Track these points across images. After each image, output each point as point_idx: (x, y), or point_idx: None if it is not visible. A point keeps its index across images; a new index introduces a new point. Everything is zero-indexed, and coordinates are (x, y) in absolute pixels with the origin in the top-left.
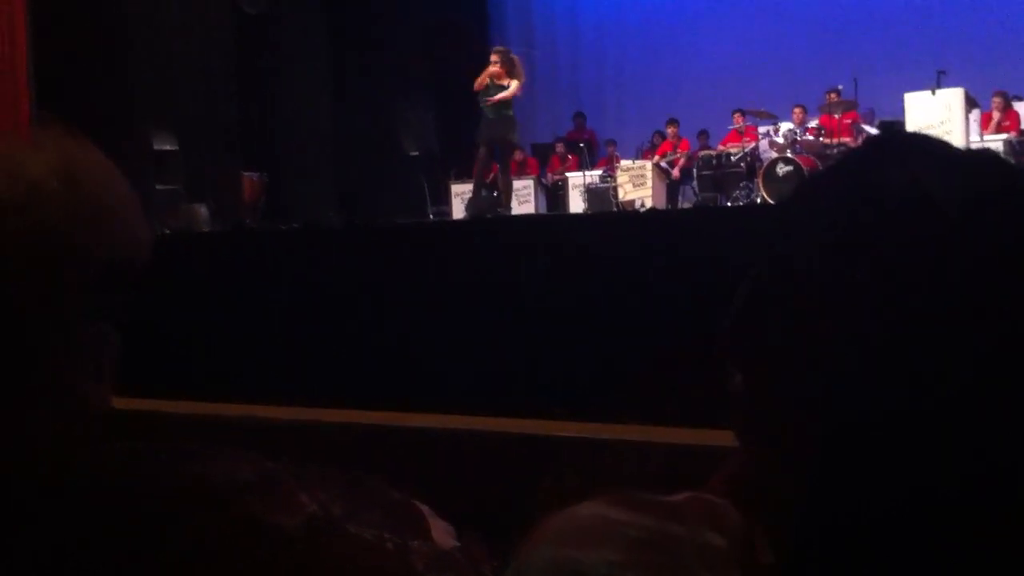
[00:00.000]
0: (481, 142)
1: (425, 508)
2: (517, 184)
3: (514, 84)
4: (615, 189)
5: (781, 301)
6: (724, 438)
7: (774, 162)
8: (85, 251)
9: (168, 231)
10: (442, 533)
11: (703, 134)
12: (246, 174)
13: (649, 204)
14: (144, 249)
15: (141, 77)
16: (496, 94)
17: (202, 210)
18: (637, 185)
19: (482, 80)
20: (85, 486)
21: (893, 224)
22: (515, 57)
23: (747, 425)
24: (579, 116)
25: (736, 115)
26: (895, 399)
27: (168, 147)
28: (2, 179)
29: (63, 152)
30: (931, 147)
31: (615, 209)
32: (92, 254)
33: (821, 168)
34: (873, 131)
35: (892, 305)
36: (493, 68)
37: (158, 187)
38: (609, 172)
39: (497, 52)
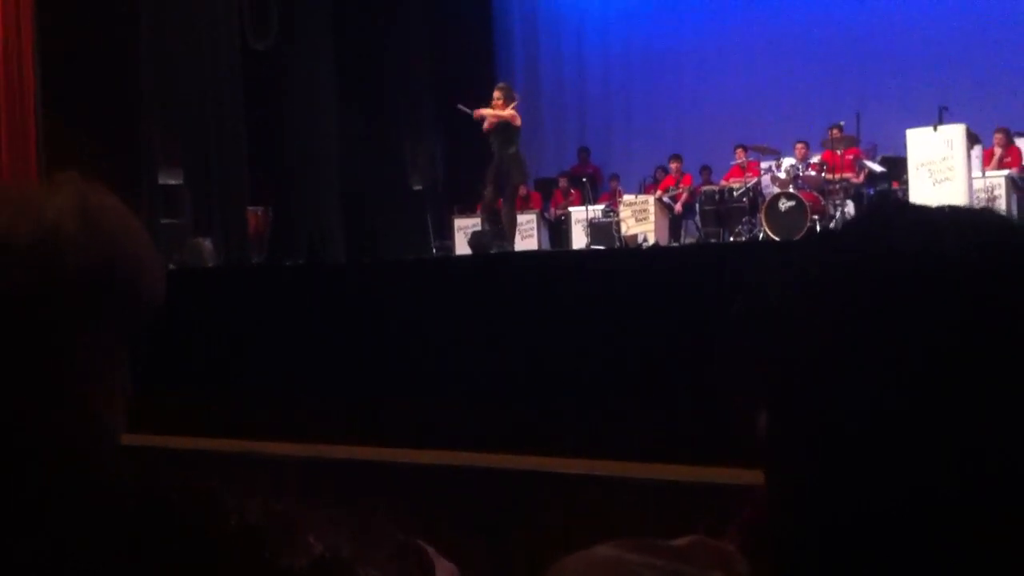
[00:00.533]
0: (488, 179)
1: (430, 548)
2: (520, 219)
3: (508, 111)
4: (618, 224)
5: (788, 323)
6: (726, 475)
7: (776, 197)
8: (100, 292)
9: (173, 265)
10: (447, 573)
11: (705, 169)
12: (251, 208)
13: (652, 239)
14: (158, 291)
15: (149, 111)
16: (499, 126)
17: (207, 244)
18: (640, 220)
19: (490, 121)
20: (96, 520)
21: (900, 264)
22: (516, 94)
23: (759, 450)
24: (583, 151)
25: (738, 150)
26: (894, 402)
27: (173, 181)
28: (20, 220)
29: (80, 195)
30: (936, 209)
31: (618, 243)
32: (107, 295)
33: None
34: (876, 167)
35: (893, 321)
36: (496, 104)
37: (163, 221)
38: (612, 207)
39: (499, 88)
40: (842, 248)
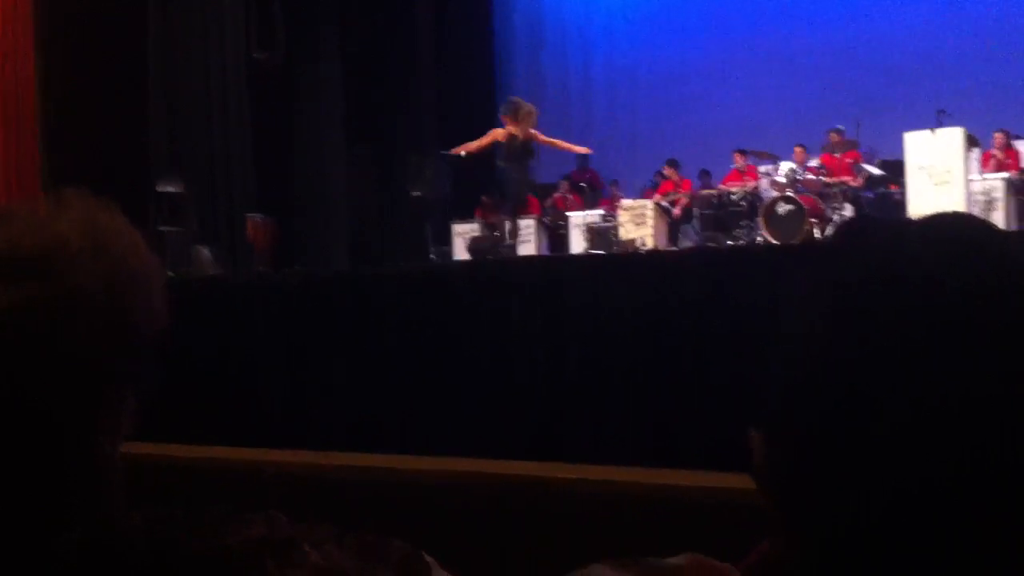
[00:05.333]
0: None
1: (431, 559)
2: (519, 224)
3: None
4: (616, 228)
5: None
6: (726, 480)
7: (775, 201)
8: (106, 310)
9: (172, 273)
10: None
11: (704, 174)
12: (253, 216)
13: (650, 243)
14: (163, 312)
15: (152, 118)
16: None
17: (206, 252)
18: (638, 224)
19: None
20: (104, 559)
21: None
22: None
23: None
24: (582, 156)
25: (736, 155)
26: (880, 416)
27: (175, 189)
28: (27, 233)
29: (88, 212)
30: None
31: (616, 248)
32: (113, 313)
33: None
34: (874, 170)
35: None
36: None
37: (162, 228)
38: (611, 212)
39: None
40: (822, 266)
